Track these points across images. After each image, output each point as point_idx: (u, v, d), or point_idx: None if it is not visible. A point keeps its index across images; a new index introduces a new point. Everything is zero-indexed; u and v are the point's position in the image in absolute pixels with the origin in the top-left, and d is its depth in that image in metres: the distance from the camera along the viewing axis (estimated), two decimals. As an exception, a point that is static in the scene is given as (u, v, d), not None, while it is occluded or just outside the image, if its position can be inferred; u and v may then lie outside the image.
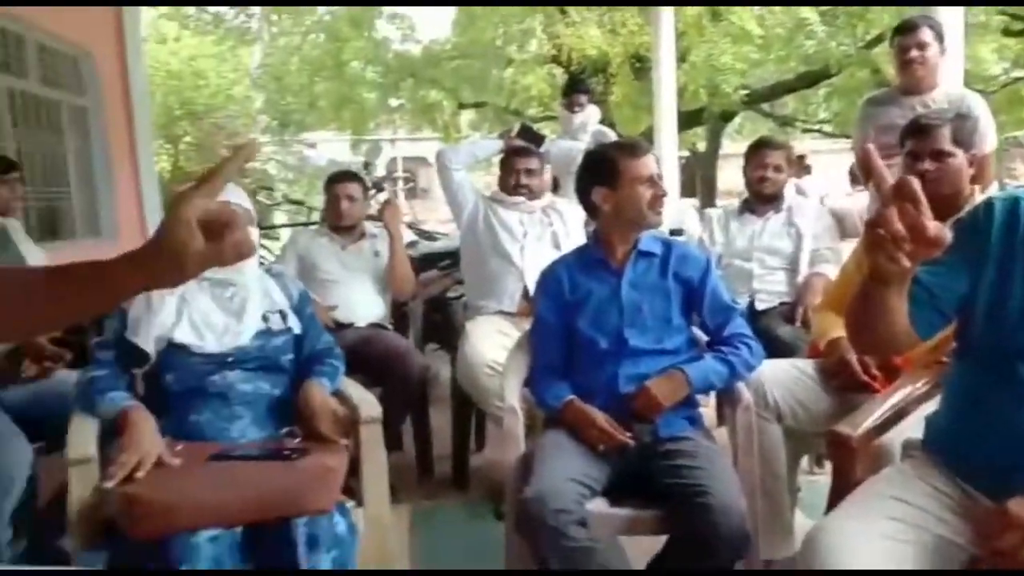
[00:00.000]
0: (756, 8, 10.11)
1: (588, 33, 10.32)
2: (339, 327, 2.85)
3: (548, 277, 2.09)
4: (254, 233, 0.69)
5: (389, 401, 2.07)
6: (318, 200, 5.23)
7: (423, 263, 3.95)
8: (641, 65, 9.98)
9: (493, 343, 2.68)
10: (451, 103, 12.65)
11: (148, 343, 1.77)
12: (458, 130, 13.28)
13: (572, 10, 10.47)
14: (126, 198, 5.72)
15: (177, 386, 1.78)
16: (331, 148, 17.94)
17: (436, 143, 12.16)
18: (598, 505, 1.74)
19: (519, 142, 3.35)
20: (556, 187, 4.26)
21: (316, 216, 6.11)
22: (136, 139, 5.86)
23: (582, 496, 1.69)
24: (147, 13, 10.47)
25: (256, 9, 12.57)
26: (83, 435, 1.69)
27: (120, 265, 0.78)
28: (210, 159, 13.53)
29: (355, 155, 14.90)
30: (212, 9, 13.10)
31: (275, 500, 1.56)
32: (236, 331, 1.82)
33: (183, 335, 1.78)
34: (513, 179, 3.05)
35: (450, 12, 11.97)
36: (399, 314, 3.26)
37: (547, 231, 3.00)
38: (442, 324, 3.49)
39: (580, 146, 4.18)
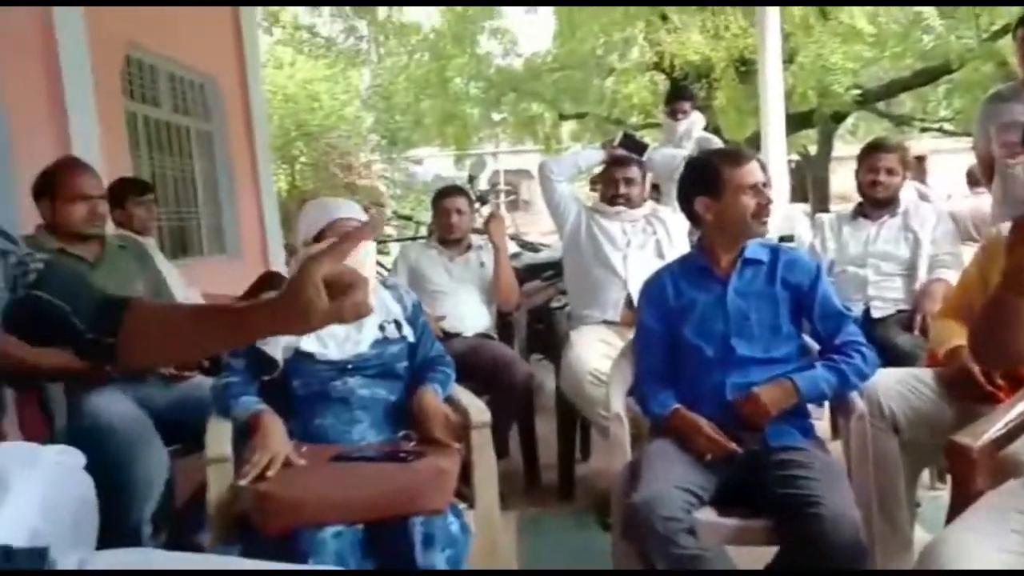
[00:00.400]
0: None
1: (690, 39, 10.18)
2: (447, 336, 2.92)
3: (652, 285, 2.10)
4: (371, 247, 0.75)
5: (496, 408, 2.12)
6: (425, 215, 5.40)
7: (526, 274, 4.00)
8: (746, 68, 9.77)
9: (597, 352, 2.69)
10: (552, 115, 12.74)
11: (277, 351, 1.90)
12: (559, 141, 13.35)
13: (674, 16, 10.36)
14: (248, 216, 6.04)
15: (303, 391, 1.91)
16: (436, 164, 18.38)
17: (538, 155, 12.26)
18: (707, 514, 1.74)
19: (620, 152, 3.35)
20: (658, 195, 4.24)
21: (423, 230, 6.29)
22: (257, 160, 6.17)
23: (690, 504, 1.69)
24: (264, 39, 11.07)
25: (366, 31, 13.06)
26: (219, 436, 1.83)
27: (256, 313, 0.91)
28: (324, 178, 14.10)
29: (459, 170, 15.21)
30: (324, 33, 13.74)
31: (393, 499, 1.64)
32: (356, 340, 1.94)
33: (309, 344, 1.90)
34: (612, 189, 3.07)
35: (551, 24, 12.07)
36: (503, 324, 3.32)
37: (650, 240, 3.00)
38: (546, 334, 3.52)
39: (683, 153, 4.11)
